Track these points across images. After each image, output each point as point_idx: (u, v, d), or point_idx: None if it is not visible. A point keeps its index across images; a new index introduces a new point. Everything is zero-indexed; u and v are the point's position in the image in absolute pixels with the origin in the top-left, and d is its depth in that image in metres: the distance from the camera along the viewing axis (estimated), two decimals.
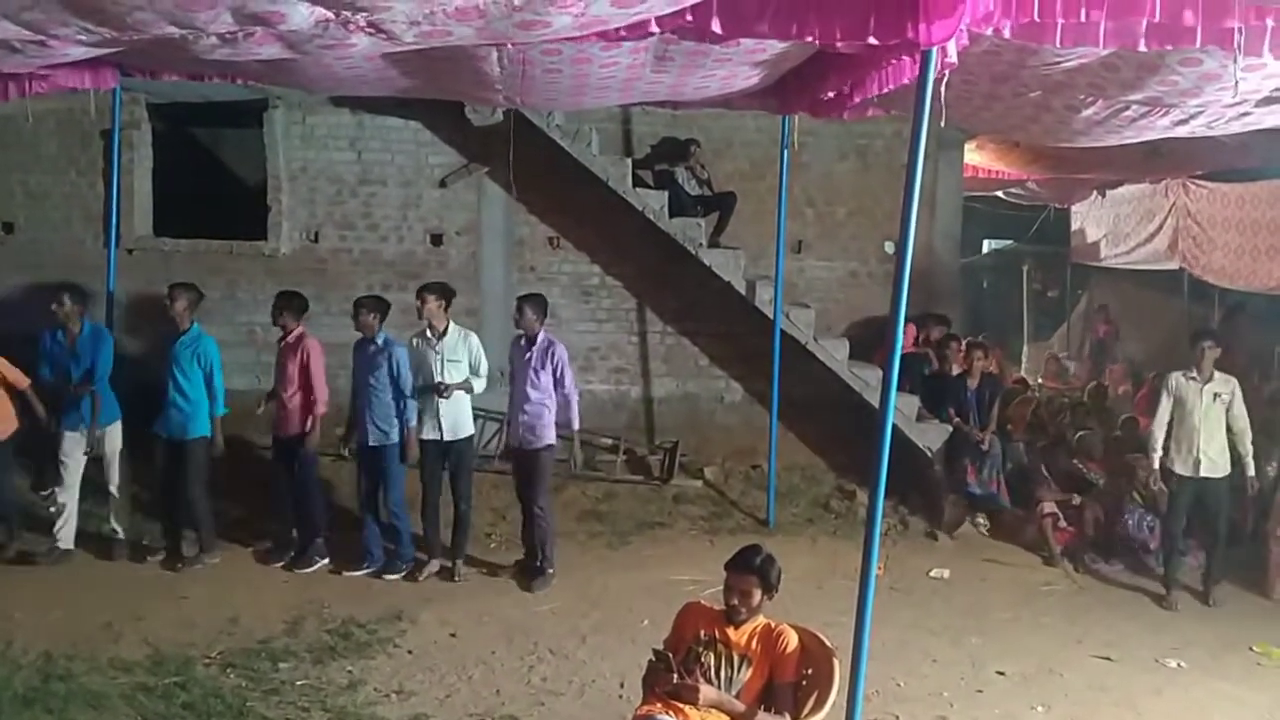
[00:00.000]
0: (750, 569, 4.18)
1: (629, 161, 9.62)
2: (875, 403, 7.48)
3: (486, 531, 8.70)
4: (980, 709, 5.80)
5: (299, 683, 5.78)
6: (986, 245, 19.18)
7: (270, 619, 6.70)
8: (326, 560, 7.82)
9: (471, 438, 7.90)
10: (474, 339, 7.78)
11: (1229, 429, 7.47)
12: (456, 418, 7.67)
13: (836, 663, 4.10)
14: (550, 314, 8.03)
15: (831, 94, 6.89)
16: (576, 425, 7.72)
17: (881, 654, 5.87)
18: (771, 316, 9.08)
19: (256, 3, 3.94)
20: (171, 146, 10.50)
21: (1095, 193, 14.32)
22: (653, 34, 4.83)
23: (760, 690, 4.11)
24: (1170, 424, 7.56)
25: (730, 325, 9.95)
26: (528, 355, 7.62)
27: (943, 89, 4.69)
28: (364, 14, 4.09)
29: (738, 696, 4.05)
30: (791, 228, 9.64)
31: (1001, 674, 6.24)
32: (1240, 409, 7.50)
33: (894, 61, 5.60)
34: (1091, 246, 14.80)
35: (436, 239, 10.14)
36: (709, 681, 4.04)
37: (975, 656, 6.49)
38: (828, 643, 4.18)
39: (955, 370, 9.16)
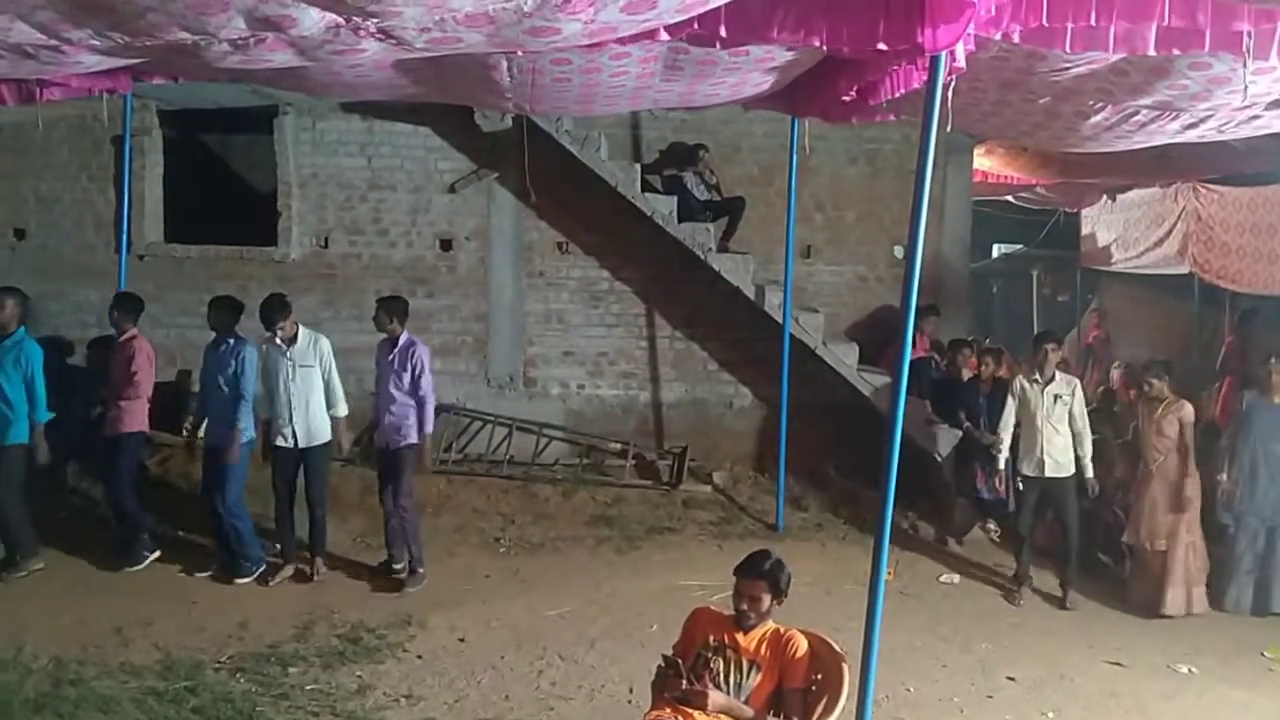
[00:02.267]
0: (759, 574, 4.18)
1: (638, 167, 9.63)
2: (883, 408, 7.52)
3: (495, 537, 8.70)
4: (991, 714, 5.79)
5: (308, 687, 5.79)
6: (996, 250, 19.14)
7: (280, 624, 6.71)
8: (156, 553, 7.76)
9: (328, 444, 7.72)
10: (324, 344, 7.66)
11: (1071, 430, 7.61)
12: (310, 425, 7.58)
13: (846, 668, 4.09)
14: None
15: (841, 99, 6.89)
16: (429, 428, 7.64)
17: (891, 659, 5.87)
18: (780, 321, 9.08)
19: (268, 7, 3.96)
20: (182, 153, 10.56)
21: (1105, 197, 14.27)
22: (662, 41, 4.84)
23: (769, 695, 4.10)
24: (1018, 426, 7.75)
25: (739, 330, 9.95)
26: (390, 357, 7.64)
27: (950, 94, 4.69)
28: (374, 20, 4.10)
29: (747, 702, 4.05)
30: (800, 232, 9.65)
31: (1012, 679, 6.22)
32: (1080, 410, 7.62)
33: (902, 67, 5.60)
34: (1102, 251, 14.74)
35: (446, 244, 10.16)
36: (718, 687, 4.03)
37: (985, 662, 6.48)
38: (837, 648, 4.17)
39: (966, 375, 9.14)
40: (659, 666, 4.15)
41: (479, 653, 6.39)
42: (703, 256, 9.43)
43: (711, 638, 4.21)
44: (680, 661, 4.10)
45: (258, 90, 8.75)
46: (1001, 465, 7.89)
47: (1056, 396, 7.59)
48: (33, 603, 6.95)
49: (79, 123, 9.78)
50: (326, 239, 10.11)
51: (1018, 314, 17.58)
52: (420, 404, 7.56)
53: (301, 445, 7.58)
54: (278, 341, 7.55)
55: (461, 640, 6.60)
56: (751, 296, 9.45)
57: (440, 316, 10.18)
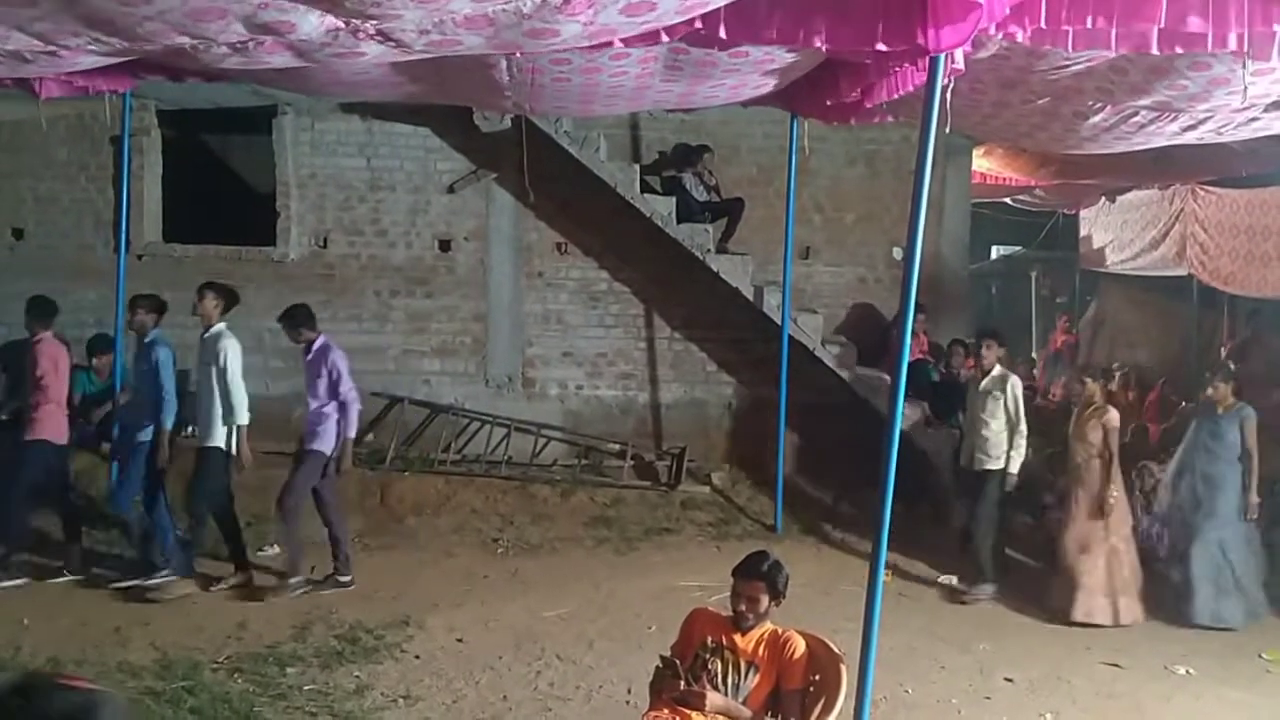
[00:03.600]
0: (758, 575, 4.17)
1: (637, 168, 9.64)
2: (883, 408, 7.53)
3: (494, 538, 8.70)
4: (989, 716, 5.78)
5: (306, 688, 5.78)
6: (995, 251, 19.17)
7: (278, 624, 6.71)
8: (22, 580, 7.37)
9: (215, 449, 7.34)
10: (225, 344, 7.30)
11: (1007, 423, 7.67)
12: (201, 424, 7.42)
13: (844, 669, 4.08)
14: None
15: (840, 100, 6.89)
16: (351, 432, 7.52)
17: (889, 660, 5.87)
18: (779, 322, 9.08)
19: (267, 13, 3.96)
20: (181, 153, 10.55)
21: (1103, 198, 14.29)
22: (662, 42, 4.84)
23: (767, 697, 4.10)
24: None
25: (738, 331, 9.95)
26: (307, 362, 7.60)
27: (949, 95, 4.69)
28: (374, 22, 4.10)
29: (745, 703, 4.04)
30: (799, 233, 9.65)
31: (1010, 681, 6.22)
32: (1015, 406, 7.66)
33: (902, 68, 5.60)
34: (1098, 252, 14.77)
35: (445, 245, 10.16)
36: (716, 688, 4.03)
37: (983, 663, 6.47)
38: (835, 649, 4.17)
39: (964, 375, 9.14)
40: (657, 667, 4.15)
41: (477, 653, 6.39)
42: (701, 257, 9.43)
43: (709, 639, 4.20)
44: (678, 662, 4.09)
45: (257, 90, 8.75)
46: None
47: (988, 392, 7.69)
48: (31, 603, 6.94)
49: (78, 122, 9.78)
50: (325, 239, 10.12)
51: (1016, 315, 17.60)
52: (342, 408, 7.46)
53: (198, 444, 7.44)
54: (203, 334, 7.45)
55: (460, 641, 6.59)
56: (750, 297, 9.45)
57: (439, 317, 10.18)
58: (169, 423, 7.30)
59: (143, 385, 7.44)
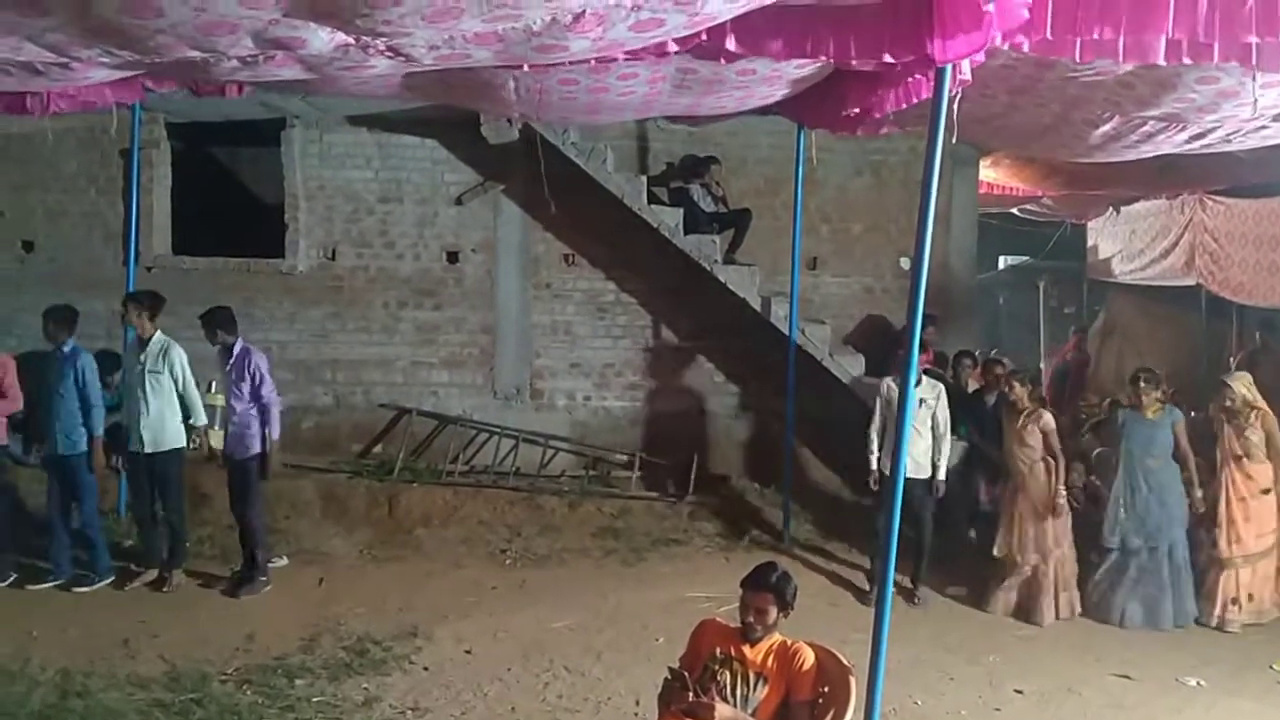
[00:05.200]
0: (766, 586, 4.16)
1: (644, 179, 9.65)
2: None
3: (501, 549, 8.70)
4: None
5: (315, 700, 5.78)
6: (1002, 261, 19.14)
7: (286, 636, 6.71)
8: None
9: (177, 451, 7.55)
10: (175, 352, 7.48)
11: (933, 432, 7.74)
12: (156, 431, 7.47)
13: (853, 681, 4.07)
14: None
15: (848, 111, 6.90)
16: (275, 435, 7.58)
17: (898, 672, 5.84)
18: (787, 332, 9.08)
19: (277, 29, 3.98)
20: (190, 165, 10.60)
21: (1110, 208, 14.27)
22: (669, 54, 4.85)
23: (776, 708, 4.09)
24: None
25: (745, 341, 9.95)
26: (228, 367, 7.62)
27: (956, 106, 4.69)
28: (384, 39, 4.12)
29: (753, 715, 4.03)
30: (806, 244, 9.65)
31: (1020, 692, 6.20)
32: (943, 415, 7.74)
33: (909, 79, 5.61)
34: (1106, 262, 14.74)
35: (453, 256, 10.18)
36: (724, 700, 4.02)
37: (993, 675, 6.45)
38: (844, 660, 4.16)
39: (972, 387, 9.12)
40: (665, 679, 4.14)
41: (485, 665, 6.38)
42: (709, 268, 9.43)
43: (718, 650, 4.19)
44: (686, 674, 4.09)
45: (266, 103, 8.79)
46: (874, 465, 7.93)
47: (921, 400, 7.72)
48: (40, 615, 6.95)
49: (87, 135, 9.82)
50: (334, 251, 10.14)
51: (1024, 325, 17.56)
52: (263, 412, 7.52)
53: (148, 451, 7.48)
54: (136, 345, 7.54)
55: (468, 652, 6.59)
56: (758, 308, 9.45)
57: (447, 328, 10.20)
58: (99, 429, 7.46)
59: (69, 395, 7.47)
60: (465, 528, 8.98)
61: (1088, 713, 5.96)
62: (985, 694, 6.17)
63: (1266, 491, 7.37)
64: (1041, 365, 15.51)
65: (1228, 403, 7.51)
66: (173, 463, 7.58)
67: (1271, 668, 6.71)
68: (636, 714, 5.65)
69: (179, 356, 7.50)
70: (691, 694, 4.00)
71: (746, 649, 4.15)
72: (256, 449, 7.57)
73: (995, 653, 6.80)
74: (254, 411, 7.55)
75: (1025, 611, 7.49)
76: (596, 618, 7.24)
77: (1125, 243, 14.22)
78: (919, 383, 7.75)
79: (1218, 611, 7.38)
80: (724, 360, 10.26)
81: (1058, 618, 7.40)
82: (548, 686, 6.10)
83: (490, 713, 5.74)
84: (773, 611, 4.14)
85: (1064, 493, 7.44)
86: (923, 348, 9.53)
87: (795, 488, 9.20)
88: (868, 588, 7.82)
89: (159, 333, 7.55)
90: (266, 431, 7.58)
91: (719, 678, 4.10)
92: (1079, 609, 7.49)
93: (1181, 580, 7.40)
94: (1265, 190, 10.84)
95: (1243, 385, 7.51)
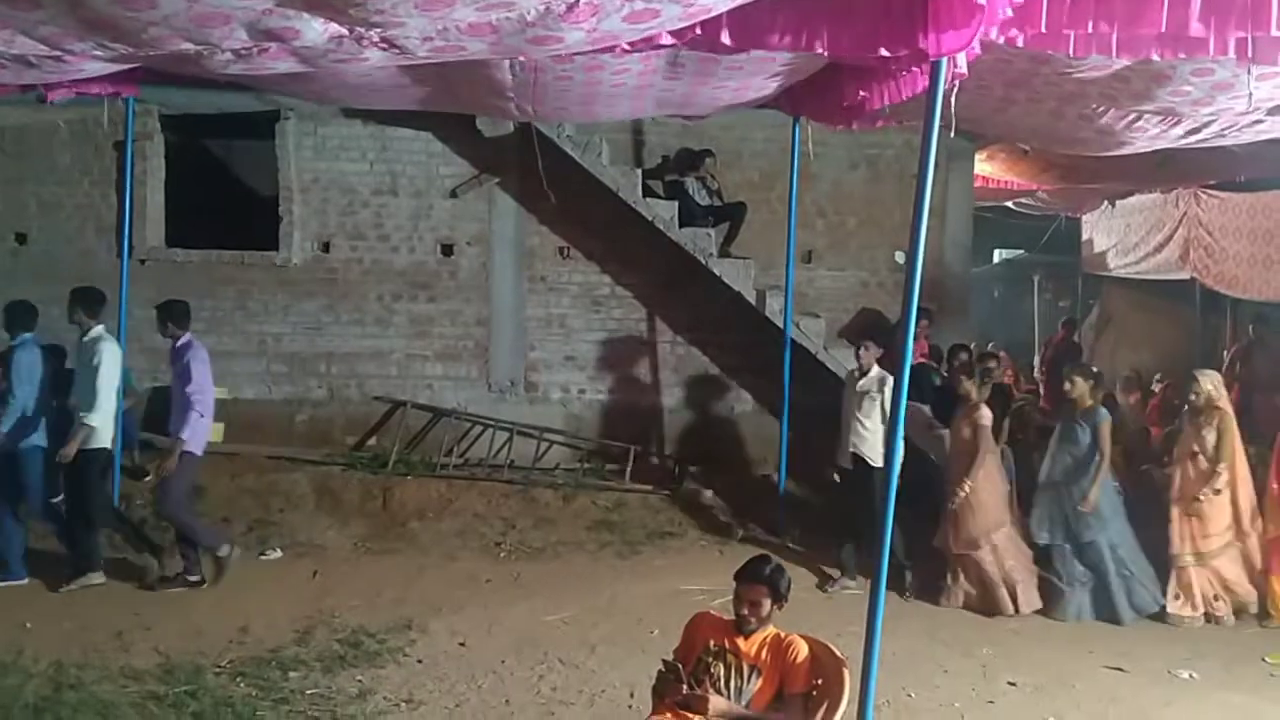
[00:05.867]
0: (760, 579, 4.17)
1: (639, 172, 9.65)
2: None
3: (496, 542, 8.70)
4: None
5: (309, 692, 5.78)
6: (997, 255, 19.18)
7: (280, 628, 6.71)
8: None
9: (91, 450, 7.26)
10: (101, 346, 7.28)
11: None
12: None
13: (847, 673, 4.08)
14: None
15: (843, 104, 6.90)
16: (181, 434, 7.28)
17: (892, 664, 5.86)
18: (782, 326, 9.08)
19: (271, 19, 3.97)
20: (184, 158, 10.57)
21: (1105, 202, 14.29)
22: (664, 46, 4.84)
23: (770, 700, 4.10)
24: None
25: (740, 335, 9.95)
26: (172, 361, 7.56)
27: (953, 99, 4.69)
28: (378, 30, 4.11)
29: (747, 707, 4.04)
30: (802, 237, 9.67)
31: (1013, 685, 6.21)
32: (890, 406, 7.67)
33: (904, 72, 5.61)
34: (1101, 256, 14.76)
35: (447, 249, 10.17)
36: (718, 692, 4.03)
37: (987, 667, 6.46)
38: (838, 653, 4.17)
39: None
40: (659, 671, 4.14)
41: (480, 657, 6.38)
42: (704, 262, 9.43)
43: (712, 643, 4.20)
44: (681, 666, 4.09)
45: (260, 95, 8.77)
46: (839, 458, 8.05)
47: (867, 392, 7.81)
48: (33, 607, 6.95)
49: (81, 127, 9.79)
50: (328, 244, 10.12)
51: (1019, 319, 17.58)
52: (184, 406, 7.31)
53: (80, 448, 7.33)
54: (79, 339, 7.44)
55: (462, 645, 6.59)
56: (753, 301, 9.46)
57: (442, 321, 10.19)
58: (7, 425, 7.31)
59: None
60: (460, 521, 8.99)
61: (1081, 705, 5.98)
62: (979, 686, 6.19)
63: (1219, 492, 7.27)
64: (1036, 359, 15.54)
65: (1191, 397, 7.48)
66: (83, 461, 7.30)
67: (1263, 660, 6.72)
68: (631, 706, 5.65)
69: (100, 351, 7.28)
70: (686, 686, 4.01)
71: (740, 641, 4.16)
72: (194, 445, 7.41)
73: (989, 645, 6.81)
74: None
75: (984, 606, 7.44)
76: (591, 610, 7.25)
77: (1120, 236, 14.24)
78: (867, 373, 7.89)
79: (1170, 609, 7.33)
80: (719, 353, 10.26)
81: (1017, 612, 7.33)
82: (542, 679, 6.10)
83: (484, 705, 5.75)
84: (767, 604, 4.15)
85: (967, 487, 7.38)
86: (916, 341, 9.58)
87: (790, 480, 9.20)
88: (838, 575, 7.86)
89: (98, 328, 7.41)
90: (204, 425, 7.42)
91: (713, 670, 4.11)
92: (1037, 604, 7.41)
93: (1130, 574, 7.35)
94: (1260, 184, 10.85)
95: (1210, 383, 7.44)
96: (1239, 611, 7.38)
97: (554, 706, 5.75)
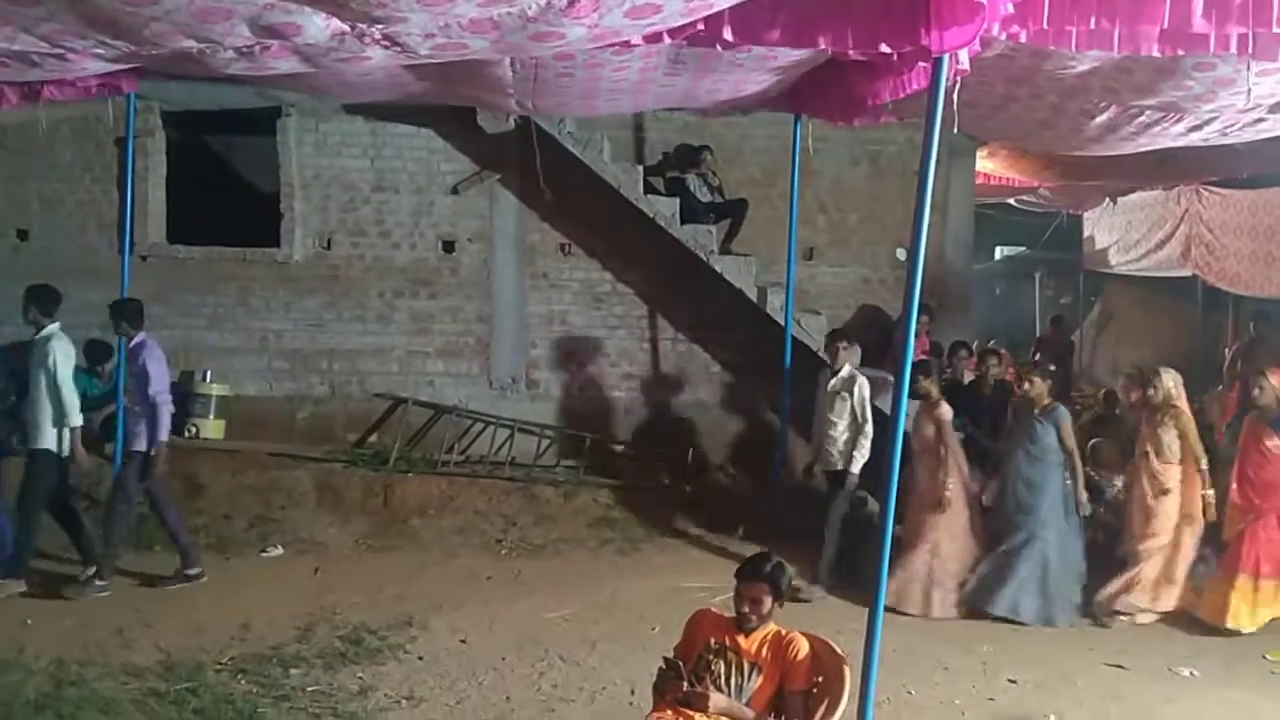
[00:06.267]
0: (760, 576, 4.17)
1: (640, 169, 9.64)
2: (885, 408, 7.51)
3: (497, 539, 8.70)
4: (993, 717, 5.77)
5: (310, 689, 5.78)
6: (999, 252, 19.17)
7: (281, 625, 6.71)
8: None
9: (44, 451, 7.17)
10: (53, 346, 7.15)
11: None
12: (31, 428, 7.22)
13: (848, 670, 4.08)
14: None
15: (845, 100, 6.89)
16: (161, 436, 7.25)
17: (892, 661, 5.86)
18: (783, 323, 9.07)
19: (272, 14, 3.96)
20: (185, 154, 10.56)
21: (1107, 199, 14.28)
22: (666, 42, 4.84)
23: (771, 698, 4.10)
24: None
25: (742, 332, 9.95)
26: (128, 359, 7.52)
27: (955, 95, 4.69)
28: (380, 26, 4.10)
29: (748, 704, 4.04)
30: (803, 234, 9.66)
31: (1013, 682, 6.21)
32: (861, 407, 7.76)
33: (906, 68, 5.60)
34: (1102, 253, 14.76)
35: (449, 246, 10.16)
36: (719, 689, 4.03)
37: (987, 664, 6.47)
38: (839, 650, 4.16)
39: (968, 378, 9.12)
40: (660, 668, 4.15)
41: (480, 654, 6.39)
42: (705, 258, 9.43)
43: (713, 640, 4.20)
44: (681, 664, 4.09)
45: (261, 92, 8.77)
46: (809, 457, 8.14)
47: (838, 392, 7.80)
48: (34, 604, 6.95)
49: (82, 124, 9.78)
50: (329, 240, 10.12)
51: (1021, 316, 17.58)
52: (151, 410, 7.25)
53: (30, 447, 7.27)
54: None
55: (463, 642, 6.59)
56: (754, 298, 9.45)
57: (443, 318, 10.19)
58: None
59: None
60: (461, 518, 8.99)
61: (1082, 702, 5.97)
62: (979, 684, 6.18)
63: (1166, 493, 7.23)
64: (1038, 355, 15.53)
65: (1149, 392, 7.43)
66: (38, 463, 7.21)
67: (1264, 657, 6.72)
68: (631, 703, 5.65)
69: (53, 351, 7.15)
70: (686, 683, 4.01)
71: (741, 639, 4.16)
72: (140, 446, 7.34)
73: (990, 643, 6.81)
74: (138, 406, 7.36)
75: (893, 601, 7.14)
76: (592, 608, 7.25)
77: (1121, 233, 14.24)
78: (838, 372, 7.88)
79: (1112, 604, 7.28)
80: (720, 350, 10.25)
81: (928, 615, 7.26)
82: (543, 676, 6.11)
83: (485, 702, 5.75)
84: (767, 601, 4.15)
85: (950, 487, 7.38)
86: (917, 338, 9.58)
87: (789, 478, 9.20)
88: (802, 584, 7.50)
89: (52, 326, 7.30)
90: (153, 430, 7.29)
91: (714, 667, 4.10)
92: (954, 610, 7.32)
93: (1065, 576, 7.30)
94: (1261, 181, 10.84)
95: (1171, 381, 7.37)
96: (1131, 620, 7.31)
97: (555, 703, 5.76)
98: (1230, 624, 7.01)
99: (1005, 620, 7.22)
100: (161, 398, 7.29)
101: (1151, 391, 7.39)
